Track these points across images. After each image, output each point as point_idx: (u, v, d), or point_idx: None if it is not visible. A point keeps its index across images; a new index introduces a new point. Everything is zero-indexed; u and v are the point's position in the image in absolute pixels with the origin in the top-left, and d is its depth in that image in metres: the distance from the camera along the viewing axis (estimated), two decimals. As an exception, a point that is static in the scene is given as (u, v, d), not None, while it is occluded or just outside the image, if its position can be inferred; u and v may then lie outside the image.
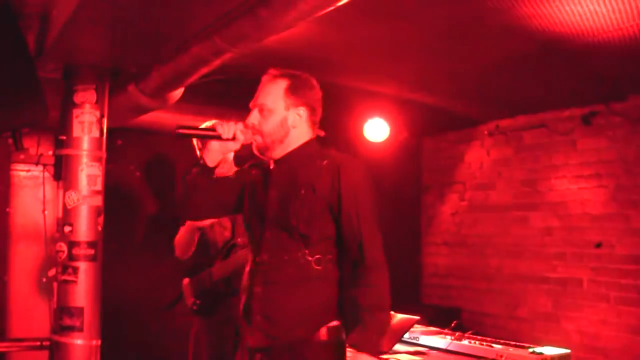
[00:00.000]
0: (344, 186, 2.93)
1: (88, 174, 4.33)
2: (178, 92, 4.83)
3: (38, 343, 4.47)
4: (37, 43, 4.20)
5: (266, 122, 3.01)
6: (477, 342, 4.32)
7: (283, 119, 3.01)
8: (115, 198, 5.66)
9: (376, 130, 6.86)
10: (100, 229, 4.38)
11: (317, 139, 3.14)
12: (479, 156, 7.43)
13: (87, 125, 4.34)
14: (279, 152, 3.06)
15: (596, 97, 6.07)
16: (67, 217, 4.31)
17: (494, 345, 4.25)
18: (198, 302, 4.83)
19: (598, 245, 6.12)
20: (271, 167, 3.12)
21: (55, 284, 4.34)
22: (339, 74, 5.54)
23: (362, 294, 2.90)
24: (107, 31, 3.72)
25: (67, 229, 4.29)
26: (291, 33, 3.62)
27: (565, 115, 6.47)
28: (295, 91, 3.03)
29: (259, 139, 3.03)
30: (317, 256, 2.92)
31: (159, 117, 5.68)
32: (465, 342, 4.35)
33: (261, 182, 3.13)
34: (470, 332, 4.59)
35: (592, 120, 6.24)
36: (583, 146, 6.34)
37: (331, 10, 3.09)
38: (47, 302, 4.45)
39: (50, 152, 4.41)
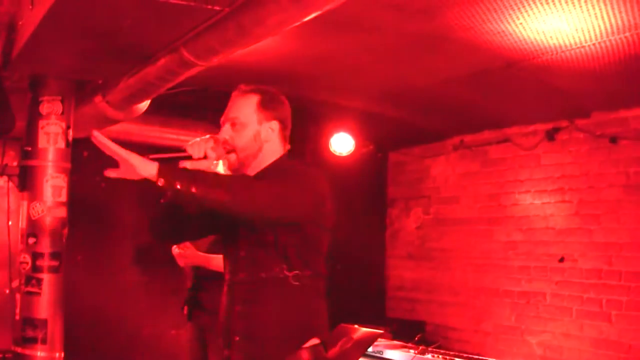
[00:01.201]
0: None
1: (53, 185, 4.31)
2: (144, 104, 4.82)
3: (0, 355, 4.43)
4: (4, 53, 4.17)
5: (239, 136, 2.93)
6: (440, 356, 4.35)
7: (256, 133, 2.95)
8: (80, 209, 5.64)
9: (342, 143, 6.90)
10: (64, 240, 4.36)
11: (288, 153, 3.08)
12: (444, 170, 7.48)
13: (53, 137, 4.33)
14: (253, 169, 2.98)
15: (560, 113, 6.14)
16: (31, 228, 4.29)
17: (456, 359, 4.27)
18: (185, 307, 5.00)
19: (561, 260, 6.18)
20: None
21: (18, 296, 4.31)
22: (306, 88, 5.58)
23: None
24: (74, 43, 3.71)
25: (31, 240, 4.27)
26: (259, 47, 3.64)
27: (529, 130, 6.53)
28: (267, 105, 2.98)
29: (232, 157, 2.93)
30: (295, 272, 2.83)
31: (126, 129, 5.66)
32: (429, 356, 4.38)
33: None
34: (434, 345, 4.61)
35: (556, 136, 6.30)
36: (547, 161, 6.41)
37: (299, 25, 3.11)
38: (10, 314, 4.40)
39: (15, 163, 4.39)
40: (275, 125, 2.99)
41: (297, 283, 2.82)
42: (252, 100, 2.97)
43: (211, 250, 4.76)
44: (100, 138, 2.76)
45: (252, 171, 2.96)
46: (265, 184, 2.83)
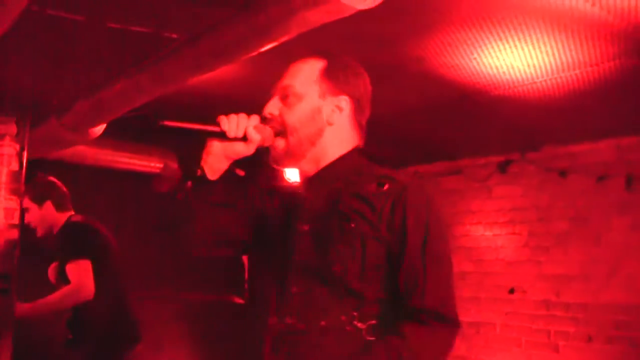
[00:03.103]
0: (412, 223, 1.96)
1: (5, 207, 4.28)
2: (100, 128, 4.81)
3: (-55, 378, 4.37)
4: (-42, 73, 4.16)
5: (291, 111, 2.09)
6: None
7: (315, 109, 2.09)
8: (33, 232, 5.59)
9: (294, 172, 6.92)
10: (15, 262, 4.31)
11: (360, 150, 2.18)
12: (398, 200, 7.51)
13: (7, 158, 4.30)
14: (309, 163, 2.12)
15: (512, 146, 6.26)
16: (-19, 250, 4.25)
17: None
18: None
19: (511, 291, 6.26)
20: (299, 187, 2.21)
21: (-34, 317, 4.26)
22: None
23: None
24: (30, 64, 3.70)
25: (-19, 262, 4.23)
26: (218, 74, 3.64)
27: (482, 162, 6.63)
28: (336, 75, 2.13)
29: (280, 143, 2.09)
30: (371, 322, 1.93)
31: (79, 152, 5.63)
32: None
33: (284, 210, 2.16)
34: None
35: (508, 169, 6.42)
36: (498, 193, 6.51)
37: (261, 54, 3.08)
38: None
39: (-32, 184, 4.35)
40: (345, 103, 2.12)
41: (372, 338, 1.92)
42: (316, 65, 2.15)
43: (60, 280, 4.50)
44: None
45: (308, 166, 2.13)
46: None
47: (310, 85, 2.10)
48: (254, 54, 2.98)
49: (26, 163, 4.44)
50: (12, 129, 4.30)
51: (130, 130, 5.84)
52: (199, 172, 2.11)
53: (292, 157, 2.11)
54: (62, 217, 4.65)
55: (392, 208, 1.96)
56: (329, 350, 1.94)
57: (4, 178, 4.30)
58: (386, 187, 2.01)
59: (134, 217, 6.85)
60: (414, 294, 1.93)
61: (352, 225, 1.96)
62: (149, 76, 3.47)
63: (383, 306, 1.96)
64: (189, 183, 2.12)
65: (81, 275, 4.36)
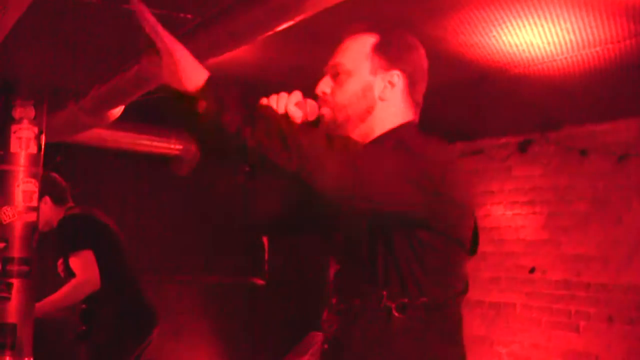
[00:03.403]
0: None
1: (24, 190, 4.30)
2: (118, 110, 4.82)
3: (-33, 360, 4.40)
4: (-24, 56, 4.17)
5: (341, 89, 2.07)
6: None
7: (366, 85, 2.07)
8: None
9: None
10: (35, 245, 4.34)
11: (414, 126, 2.17)
12: (417, 180, 7.49)
13: (25, 141, 4.31)
14: (357, 138, 2.05)
15: (532, 125, 6.20)
16: (1, 232, 4.27)
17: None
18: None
19: (531, 271, 6.23)
20: None
21: (-13, 300, 4.29)
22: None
23: None
24: (46, 49, 3.71)
25: (1, 244, 4.25)
26: (234, 54, 3.63)
27: (501, 142, 6.60)
28: (388, 50, 2.08)
29: (327, 112, 2.08)
30: (403, 300, 1.93)
31: (99, 135, 5.66)
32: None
33: None
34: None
35: (528, 148, 6.38)
36: (518, 173, 6.47)
37: (274, 35, 3.08)
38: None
39: (-13, 167, 4.38)
40: (397, 78, 2.08)
41: (402, 316, 1.93)
42: (367, 41, 2.11)
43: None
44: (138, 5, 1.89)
45: (356, 139, 2.05)
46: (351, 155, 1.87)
47: (361, 62, 2.08)
48: (270, 33, 2.98)
49: (44, 146, 4.46)
50: (30, 112, 4.32)
51: (150, 113, 5.86)
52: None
53: (340, 130, 2.07)
54: (61, 211, 4.70)
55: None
56: (363, 327, 1.96)
57: (22, 161, 4.32)
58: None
59: (153, 199, 6.89)
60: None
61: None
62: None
63: (412, 286, 1.95)
64: (247, 167, 2.16)
65: (85, 267, 4.40)
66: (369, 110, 2.07)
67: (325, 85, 2.11)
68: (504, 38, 4.19)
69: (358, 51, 2.10)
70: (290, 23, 2.84)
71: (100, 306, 4.56)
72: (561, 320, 5.95)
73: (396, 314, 1.92)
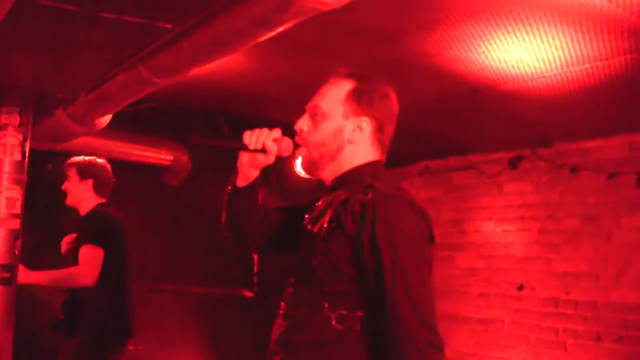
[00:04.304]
0: (379, 236, 2.09)
1: (7, 196, 4.28)
2: (106, 119, 4.81)
3: (-53, 368, 4.38)
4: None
5: (317, 129, 2.34)
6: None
7: (338, 128, 2.32)
8: (42, 222, 5.61)
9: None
10: (17, 252, 4.32)
11: (379, 165, 2.39)
12: (409, 195, 7.47)
13: (9, 148, 4.30)
14: (328, 174, 2.37)
15: (523, 142, 6.20)
16: (-17, 239, 4.26)
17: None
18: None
19: (520, 288, 6.22)
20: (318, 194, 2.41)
21: (-32, 307, 4.27)
22: (269, 109, 5.57)
23: None
24: (30, 55, 3.70)
25: (-18, 251, 4.23)
26: (221, 65, 3.63)
27: (492, 158, 6.59)
28: (360, 97, 2.33)
29: (302, 151, 2.38)
30: (340, 312, 2.13)
31: (90, 143, 5.65)
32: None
33: (301, 215, 2.39)
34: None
35: (519, 165, 6.37)
36: (509, 189, 6.46)
37: (262, 46, 3.08)
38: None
39: (-30, 173, 4.36)
40: (366, 124, 2.32)
41: (341, 327, 2.12)
42: (343, 87, 2.36)
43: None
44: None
45: (327, 175, 2.37)
46: None
47: (336, 106, 2.34)
48: (252, 44, 2.98)
49: (29, 153, 4.44)
50: (15, 119, 4.31)
51: (141, 122, 5.85)
52: (231, 179, 2.51)
53: (315, 168, 2.37)
54: (94, 200, 4.78)
55: (362, 215, 2.13)
56: (304, 332, 2.18)
57: (6, 167, 4.30)
58: (369, 196, 2.16)
59: (143, 209, 6.86)
60: (382, 306, 2.07)
61: (325, 225, 2.18)
62: (148, 68, 3.47)
63: (352, 300, 2.14)
64: (228, 188, 2.52)
65: (91, 261, 4.46)
66: (339, 150, 2.33)
67: (303, 124, 2.39)
68: (493, 54, 4.19)
69: (335, 96, 2.35)
70: (272, 34, 2.83)
71: (86, 301, 4.59)
72: (549, 338, 5.93)
73: (336, 325, 2.12)
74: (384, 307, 2.05)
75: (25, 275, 4.51)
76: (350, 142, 2.32)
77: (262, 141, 2.37)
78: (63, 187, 4.80)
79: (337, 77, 2.40)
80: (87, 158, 4.84)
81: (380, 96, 2.36)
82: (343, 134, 2.32)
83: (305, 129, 2.37)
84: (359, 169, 2.32)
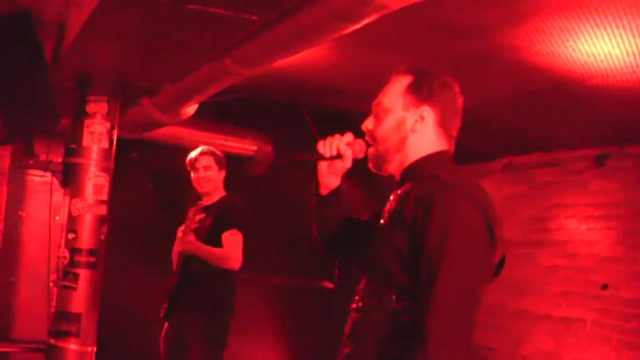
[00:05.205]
0: (433, 226, 2.12)
1: (95, 183, 4.40)
2: (192, 108, 4.89)
3: (35, 345, 4.53)
4: (54, 51, 4.28)
5: (381, 124, 2.42)
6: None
7: (400, 120, 2.39)
8: (125, 209, 5.74)
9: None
10: (103, 237, 4.44)
11: (445, 155, 2.43)
12: (491, 191, 7.34)
13: (97, 136, 4.42)
14: (396, 166, 2.42)
15: (610, 138, 6.07)
16: (71, 224, 4.39)
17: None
18: (165, 306, 4.99)
19: (604, 287, 6.09)
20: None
21: (55, 289, 4.40)
22: (351, 101, 5.58)
23: None
24: (117, 45, 3.79)
25: (70, 235, 4.36)
26: (304, 58, 3.65)
27: (578, 155, 6.46)
28: (419, 88, 2.40)
29: (371, 149, 2.45)
30: (407, 302, 2.15)
31: (177, 133, 5.76)
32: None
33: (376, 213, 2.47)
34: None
35: (605, 162, 6.24)
36: (594, 187, 6.33)
37: (346, 39, 3.09)
38: (47, 307, 4.50)
39: (60, 160, 4.48)
40: (427, 112, 2.38)
41: (409, 318, 2.13)
42: (402, 82, 2.43)
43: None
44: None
45: (395, 168, 2.43)
46: None
47: (396, 100, 2.39)
48: (334, 37, 3.00)
49: (116, 141, 4.55)
50: (103, 108, 4.42)
51: (226, 112, 5.93)
52: (314, 189, 2.58)
53: (383, 162, 2.43)
54: (222, 191, 5.21)
55: (420, 203, 2.18)
56: (373, 324, 2.22)
57: (94, 155, 4.42)
58: (429, 184, 2.22)
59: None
60: (423, 300, 2.09)
61: (389, 217, 2.28)
62: (233, 58, 3.52)
63: (417, 291, 2.13)
64: (312, 199, 2.59)
65: (237, 246, 4.97)
66: (403, 141, 2.39)
67: (369, 122, 2.46)
68: (580, 47, 4.12)
69: (395, 91, 2.42)
70: (355, 27, 2.84)
71: (204, 284, 4.94)
72: (633, 340, 5.79)
73: (402, 316, 2.15)
74: (426, 295, 2.07)
75: (192, 245, 4.86)
76: (413, 131, 2.37)
77: (336, 147, 2.45)
78: (201, 175, 5.07)
79: (397, 74, 2.46)
80: (213, 150, 5.19)
81: (439, 86, 2.41)
82: (405, 124, 2.38)
83: (371, 126, 2.44)
84: (425, 160, 2.37)
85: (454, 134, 2.45)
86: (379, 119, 2.42)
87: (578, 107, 5.35)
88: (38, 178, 6.11)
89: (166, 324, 4.98)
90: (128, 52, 3.92)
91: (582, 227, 6.39)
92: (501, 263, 2.31)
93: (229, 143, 6.50)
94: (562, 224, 6.57)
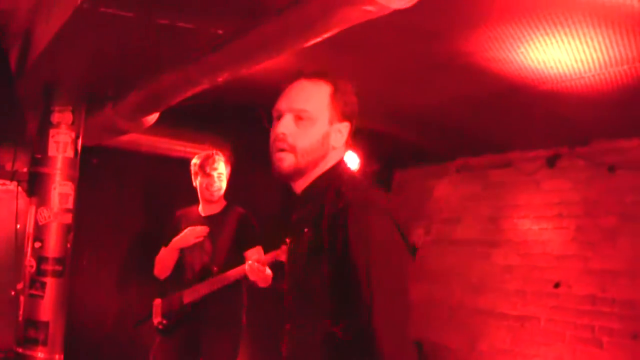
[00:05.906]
0: (353, 238, 2.06)
1: (60, 192, 4.40)
2: (154, 116, 4.93)
3: (2, 355, 4.52)
4: (19, 61, 4.29)
5: (305, 134, 2.20)
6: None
7: (325, 134, 2.22)
8: (88, 215, 5.73)
9: (347, 160, 6.92)
10: (69, 246, 4.45)
11: (339, 166, 2.33)
12: (446, 191, 7.52)
13: (62, 145, 4.42)
14: (304, 182, 2.28)
15: (561, 140, 6.21)
16: (37, 233, 4.38)
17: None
18: (164, 322, 4.88)
19: (557, 285, 6.23)
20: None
21: (22, 297, 4.40)
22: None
23: None
24: (85, 57, 3.81)
25: (37, 244, 4.36)
26: (268, 65, 3.70)
27: (530, 156, 6.60)
28: (340, 101, 2.25)
29: (289, 157, 2.20)
30: (344, 323, 2.06)
31: (136, 139, 5.76)
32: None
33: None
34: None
35: (557, 163, 6.38)
36: (546, 187, 6.47)
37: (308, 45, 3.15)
38: (14, 315, 4.51)
39: (25, 169, 4.48)
40: (345, 128, 2.27)
41: (349, 338, 2.04)
42: (324, 90, 2.24)
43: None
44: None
45: (302, 183, 2.28)
46: None
47: (322, 111, 2.22)
48: (299, 47, 3.06)
49: (80, 150, 4.56)
50: (68, 117, 4.43)
51: (184, 119, 5.95)
52: None
53: (297, 177, 2.25)
54: (222, 200, 5.13)
55: (335, 228, 2.08)
56: (313, 348, 2.12)
57: (59, 164, 4.42)
58: (340, 205, 2.11)
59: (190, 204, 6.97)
60: (365, 314, 2.02)
61: (305, 244, 2.16)
62: (198, 69, 3.58)
63: (350, 310, 2.06)
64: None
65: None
66: (324, 157, 2.24)
67: (286, 127, 2.21)
68: (532, 54, 4.24)
69: (320, 100, 2.23)
70: (318, 39, 2.92)
71: (225, 299, 4.93)
72: (585, 336, 5.94)
73: (342, 337, 2.04)
74: (362, 316, 2.01)
75: (268, 280, 4.73)
76: (334, 148, 2.26)
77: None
78: (212, 181, 5.06)
79: (310, 77, 2.28)
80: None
81: (352, 98, 2.30)
82: (329, 139, 2.24)
83: (288, 133, 2.21)
84: (325, 175, 2.26)
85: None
86: (302, 129, 2.21)
87: (531, 111, 5.47)
88: (3, 187, 6.08)
89: (166, 338, 4.94)
90: (95, 63, 3.95)
91: (535, 227, 6.52)
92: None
93: (187, 149, 6.50)
94: (515, 224, 6.69)
